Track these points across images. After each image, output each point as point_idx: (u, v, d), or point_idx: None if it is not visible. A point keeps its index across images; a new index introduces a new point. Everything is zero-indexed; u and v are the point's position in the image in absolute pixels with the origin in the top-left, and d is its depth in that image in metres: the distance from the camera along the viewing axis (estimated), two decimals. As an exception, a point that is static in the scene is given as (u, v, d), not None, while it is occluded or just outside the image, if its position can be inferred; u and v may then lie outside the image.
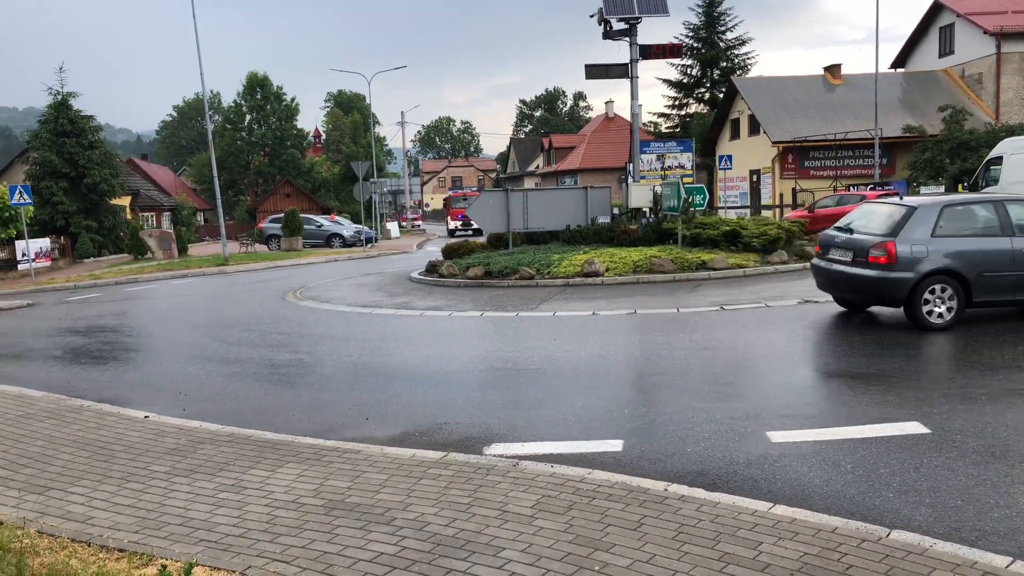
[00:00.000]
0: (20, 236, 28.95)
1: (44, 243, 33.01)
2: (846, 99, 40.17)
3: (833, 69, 42.54)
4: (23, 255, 29.89)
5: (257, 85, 73.88)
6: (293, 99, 75.55)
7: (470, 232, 40.34)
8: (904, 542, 4.17)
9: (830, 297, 12.63)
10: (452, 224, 47.40)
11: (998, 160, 19.66)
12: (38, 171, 38.67)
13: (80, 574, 4.16)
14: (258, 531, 4.75)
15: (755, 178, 41.46)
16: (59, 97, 39.22)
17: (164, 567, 2.73)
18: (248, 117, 75.33)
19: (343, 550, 4.42)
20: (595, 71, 21.21)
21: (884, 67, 44.06)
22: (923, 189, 32.93)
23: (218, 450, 6.41)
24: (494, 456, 6.00)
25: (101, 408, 8.17)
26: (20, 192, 25.78)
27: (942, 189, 30.33)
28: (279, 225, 40.58)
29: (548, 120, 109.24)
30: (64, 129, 38.71)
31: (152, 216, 57.15)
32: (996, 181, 19.37)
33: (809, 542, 4.22)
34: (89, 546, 4.66)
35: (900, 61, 44.70)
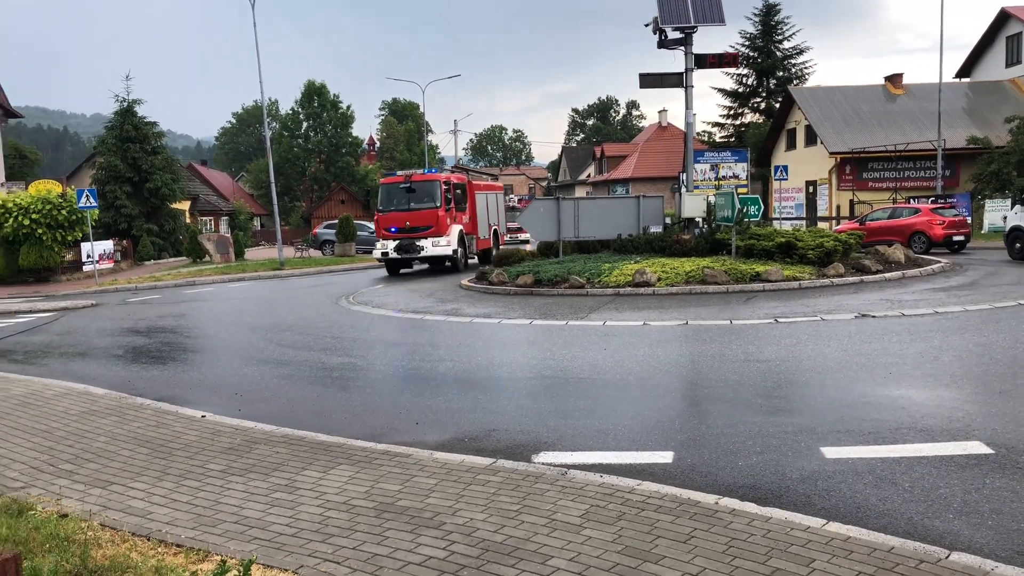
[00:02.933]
0: (86, 238, 29.90)
1: (108, 245, 34.04)
2: (908, 109, 39.32)
3: (894, 79, 41.69)
4: (88, 257, 30.86)
5: (314, 93, 75.23)
6: (348, 107, 76.78)
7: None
8: (964, 564, 4.06)
9: (888, 311, 12.36)
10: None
11: None
12: (103, 175, 39.97)
13: (140, 567, 4.28)
14: (310, 531, 4.84)
15: (811, 189, 40.80)
16: (125, 104, 40.52)
17: (224, 562, 2.80)
18: (305, 124, 76.71)
19: (393, 552, 4.47)
20: (649, 80, 21.13)
21: (948, 77, 43.02)
22: (988, 203, 32.03)
23: (272, 450, 6.54)
24: (543, 464, 6.01)
25: (160, 407, 8.39)
26: (87, 196, 26.64)
27: (1009, 204, 29.43)
28: (333, 231, 41.22)
29: (600, 129, 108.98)
30: (129, 135, 39.95)
31: (210, 220, 58.58)
32: None
33: (864, 561, 4.13)
34: (148, 540, 4.80)
35: (965, 71, 43.60)
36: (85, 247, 30.83)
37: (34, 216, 28.81)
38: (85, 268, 31.15)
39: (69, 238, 30.07)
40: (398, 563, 4.33)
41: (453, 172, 30.59)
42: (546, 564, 4.24)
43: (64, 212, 29.30)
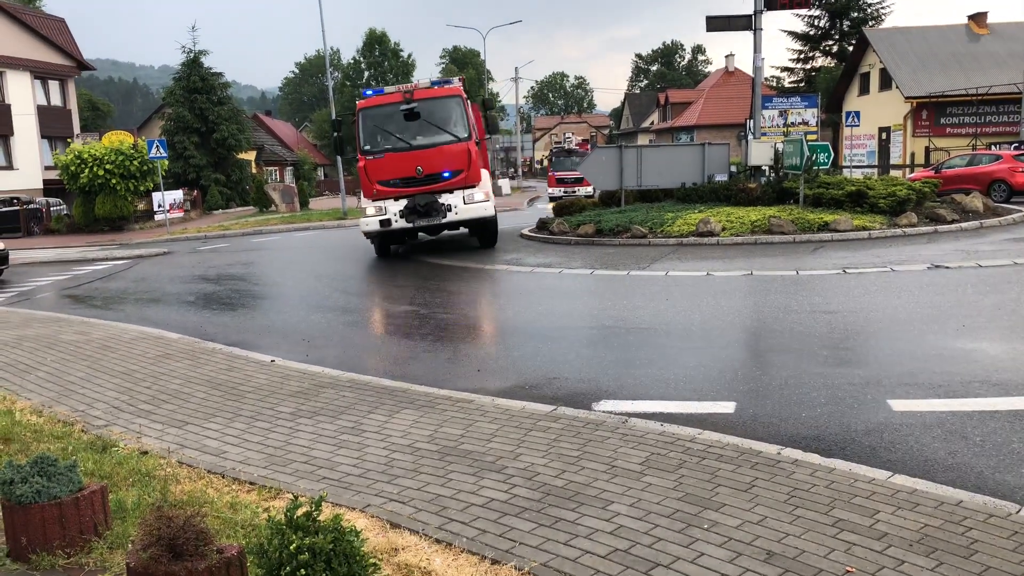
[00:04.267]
0: (156, 188, 30.75)
1: (177, 195, 34.97)
2: (992, 50, 37.39)
3: (978, 17, 39.59)
4: (159, 206, 31.79)
5: (375, 42, 75.25)
6: (410, 55, 76.66)
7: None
8: (1036, 520, 3.97)
9: (962, 262, 11.96)
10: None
11: None
12: (172, 126, 40.89)
13: (216, 502, 4.48)
14: (376, 472, 4.98)
15: (884, 136, 39.33)
16: (191, 55, 41.18)
17: (296, 497, 2.92)
18: (367, 73, 76.89)
19: (456, 494, 4.58)
20: (717, 23, 20.50)
21: (1036, 15, 40.59)
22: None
23: (339, 394, 6.72)
24: (603, 412, 6.04)
25: (231, 351, 8.68)
26: (157, 146, 27.33)
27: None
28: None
29: (665, 75, 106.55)
30: (196, 86, 40.67)
31: (275, 170, 59.55)
32: None
33: (931, 514, 4.07)
34: (223, 478, 5.01)
35: (1055, 8, 41.08)
36: (156, 197, 31.75)
37: (108, 167, 29.73)
38: (156, 217, 32.12)
39: (141, 188, 31.00)
40: (461, 504, 4.44)
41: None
42: (607, 509, 4.29)
43: (136, 162, 30.15)
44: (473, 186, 16.51)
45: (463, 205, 16.47)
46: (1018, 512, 4.06)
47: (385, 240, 17.43)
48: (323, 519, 2.74)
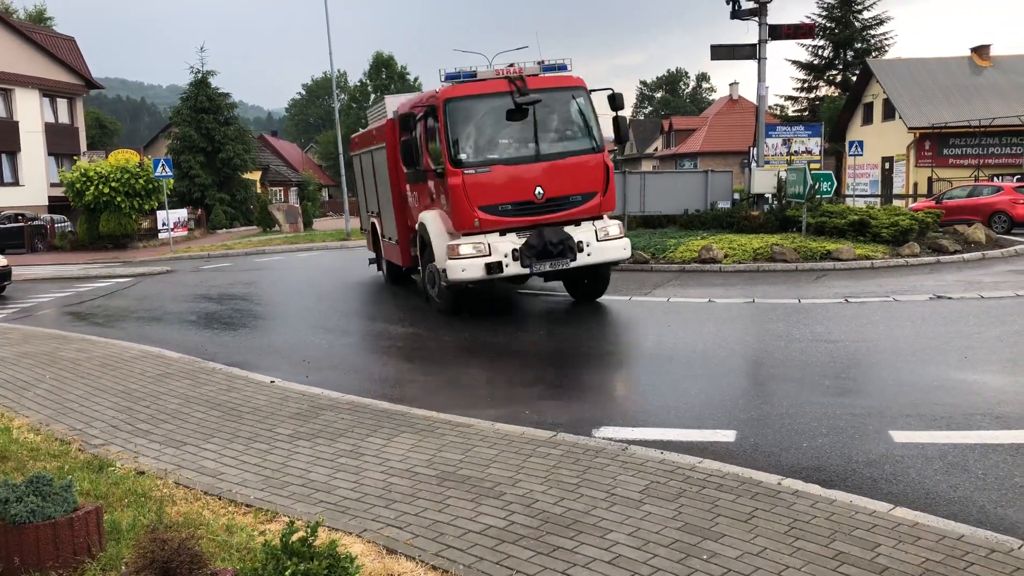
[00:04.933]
0: (161, 207, 30.85)
1: (182, 214, 35.08)
2: (994, 82, 37.56)
3: (981, 50, 39.83)
4: (163, 225, 31.87)
5: (382, 65, 75.87)
6: (416, 79, 77.19)
7: None
8: (1039, 556, 3.93)
9: (964, 293, 11.94)
10: None
11: None
12: (178, 145, 41.16)
13: (212, 525, 4.45)
14: (374, 496, 4.95)
15: (887, 166, 39.44)
16: (199, 75, 41.54)
17: (292, 522, 2.89)
18: (372, 96, 77.37)
19: (454, 520, 4.55)
20: (721, 52, 20.65)
21: (1038, 48, 40.84)
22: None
23: (338, 416, 6.69)
24: (603, 439, 6.01)
25: (231, 371, 8.66)
26: (163, 165, 27.44)
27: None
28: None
29: (669, 101, 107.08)
30: (203, 106, 40.99)
31: (280, 191, 59.81)
32: None
33: (932, 548, 4.03)
34: (220, 499, 4.97)
35: (1057, 42, 41.34)
36: (161, 215, 31.84)
37: (113, 184, 29.85)
38: (160, 236, 32.20)
39: (146, 206, 31.09)
40: (459, 530, 4.40)
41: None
42: (605, 538, 4.25)
43: (141, 181, 30.27)
44: (601, 216, 11.76)
45: (596, 243, 11.37)
46: (1020, 548, 4.02)
47: (461, 296, 11.82)
48: (319, 544, 2.72)
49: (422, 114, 11.80)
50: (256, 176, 49.97)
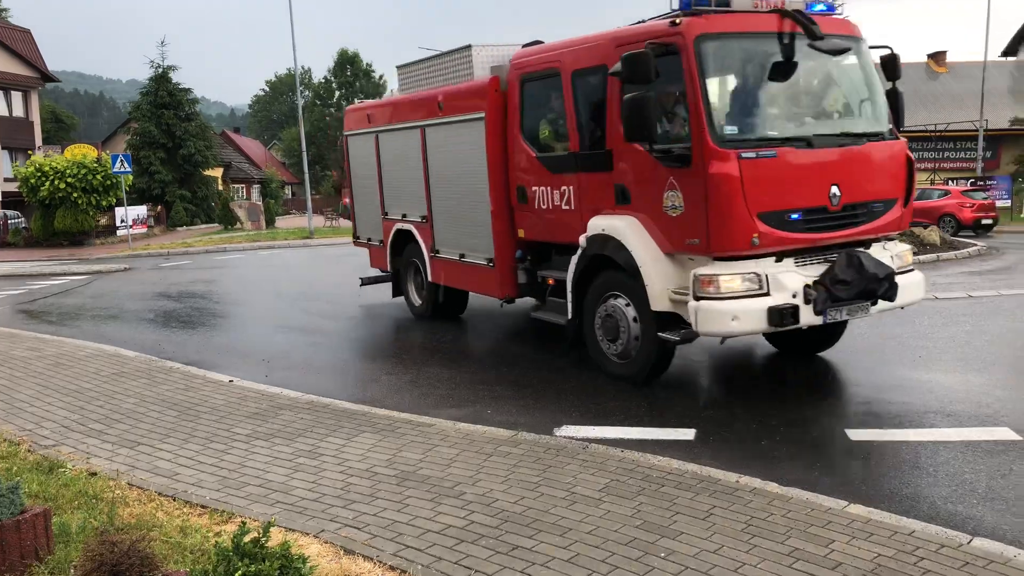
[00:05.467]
0: (120, 203, 30.30)
1: (141, 211, 34.52)
2: (950, 88, 38.45)
3: (937, 56, 40.78)
4: (121, 221, 31.33)
5: (347, 62, 75.36)
6: (381, 76, 76.83)
7: None
8: (986, 551, 4.01)
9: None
10: None
11: None
12: (138, 141, 40.45)
13: (166, 526, 4.37)
14: (332, 496, 4.90)
15: (846, 168, 40.16)
16: (160, 70, 40.88)
17: (244, 524, 2.85)
18: (337, 93, 76.88)
19: (413, 520, 4.52)
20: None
21: (994, 55, 41.90)
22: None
23: (297, 416, 6.62)
24: (564, 437, 6.02)
25: (189, 370, 8.52)
26: (122, 161, 26.96)
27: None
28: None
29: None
30: (163, 101, 40.33)
31: (242, 188, 59.09)
32: None
33: (884, 543, 4.10)
34: (174, 500, 4.89)
35: (1011, 49, 42.46)
36: (119, 212, 31.28)
37: (69, 180, 29.23)
38: (119, 232, 31.64)
39: (104, 203, 30.51)
40: (418, 530, 4.38)
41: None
42: (564, 536, 4.26)
43: (99, 177, 29.69)
44: (893, 237, 7.74)
45: (901, 279, 7.32)
46: (969, 542, 4.10)
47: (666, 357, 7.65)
48: (273, 545, 2.68)
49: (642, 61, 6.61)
50: (218, 173, 49.30)
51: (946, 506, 4.74)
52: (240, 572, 2.51)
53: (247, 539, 2.63)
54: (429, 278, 10.86)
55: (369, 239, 12.70)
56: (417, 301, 11.66)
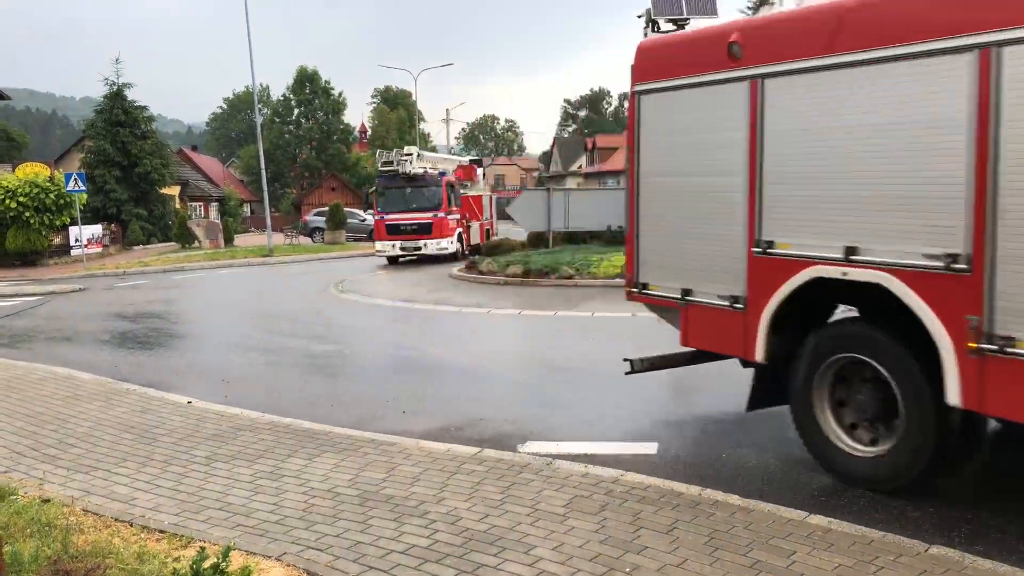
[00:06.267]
0: (74, 222, 29.69)
1: (96, 230, 33.85)
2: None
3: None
4: (76, 241, 30.68)
5: (306, 79, 74.87)
6: (340, 94, 76.47)
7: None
8: (943, 557, 4.09)
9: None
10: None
11: None
12: (92, 159, 39.70)
13: (122, 553, 4.27)
14: (294, 518, 4.83)
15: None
16: (115, 87, 40.24)
17: (203, 549, 2.79)
18: (296, 111, 76.37)
19: (376, 540, 4.47)
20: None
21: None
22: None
23: (258, 437, 6.52)
24: (528, 454, 6.01)
25: (146, 392, 8.35)
26: (76, 179, 26.45)
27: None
28: (323, 218, 41.10)
29: (592, 120, 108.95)
30: (119, 119, 39.68)
31: (200, 206, 58.27)
32: None
33: (844, 553, 4.16)
34: (131, 526, 4.78)
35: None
36: (73, 231, 30.65)
37: (21, 199, 28.57)
38: (73, 252, 30.97)
39: (57, 222, 29.86)
40: (381, 551, 4.34)
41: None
42: (529, 554, 4.25)
43: (52, 196, 29.07)
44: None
45: None
46: (926, 550, 4.18)
47: None
48: (233, 570, 2.63)
49: None
50: (175, 191, 48.56)
51: (904, 513, 4.82)
52: (200, 599, 2.46)
53: (206, 565, 2.58)
54: (958, 400, 4.66)
55: (688, 293, 6.42)
56: (853, 446, 5.41)
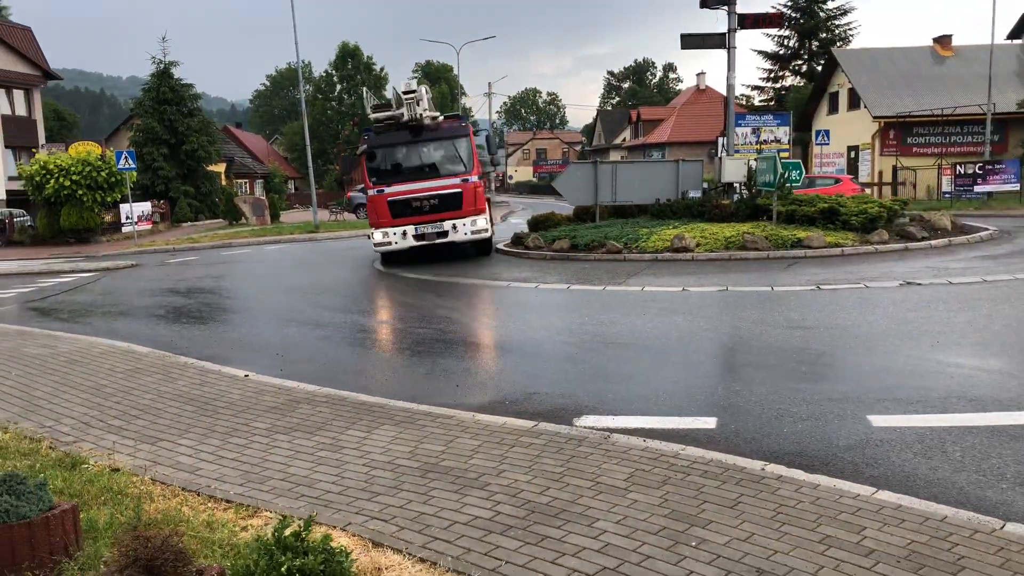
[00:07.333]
0: (124, 200, 30.28)
1: (146, 207, 34.50)
2: (956, 72, 38.15)
3: (943, 40, 40.45)
4: (127, 218, 31.33)
5: (348, 55, 75.09)
6: (382, 69, 76.58)
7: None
8: (1020, 535, 3.98)
9: (933, 279, 12.12)
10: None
11: None
12: (141, 137, 40.39)
13: (192, 521, 4.35)
14: (356, 489, 4.88)
15: (853, 155, 39.94)
16: (161, 66, 40.78)
17: (285, 517, 2.82)
18: (339, 87, 76.71)
19: (439, 512, 4.49)
20: (691, 41, 20.71)
21: (1000, 38, 41.63)
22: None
23: (315, 410, 6.60)
24: (585, 428, 5.99)
25: (204, 366, 8.50)
26: (126, 158, 26.93)
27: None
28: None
29: (636, 92, 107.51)
30: (165, 97, 40.26)
31: (245, 183, 59.04)
32: None
33: (916, 530, 4.07)
34: (198, 495, 4.87)
35: (1017, 32, 42.12)
36: (124, 208, 31.29)
37: (74, 177, 29.22)
38: (124, 229, 31.64)
39: (108, 199, 30.50)
40: (445, 522, 4.36)
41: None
42: (593, 526, 4.23)
43: (104, 174, 29.67)
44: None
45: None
46: (1002, 528, 4.07)
47: None
48: (312, 538, 2.65)
49: None
50: (221, 168, 49.23)
51: (975, 491, 4.70)
52: (285, 567, 2.48)
53: (288, 532, 2.60)
54: None
55: None
56: None
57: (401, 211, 17.54)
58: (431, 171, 17.83)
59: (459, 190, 17.51)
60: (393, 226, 17.61)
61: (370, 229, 18.18)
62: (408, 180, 17.62)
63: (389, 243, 17.71)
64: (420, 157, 18.05)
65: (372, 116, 18.45)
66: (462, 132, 18.16)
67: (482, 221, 17.75)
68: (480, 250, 18.87)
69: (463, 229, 17.68)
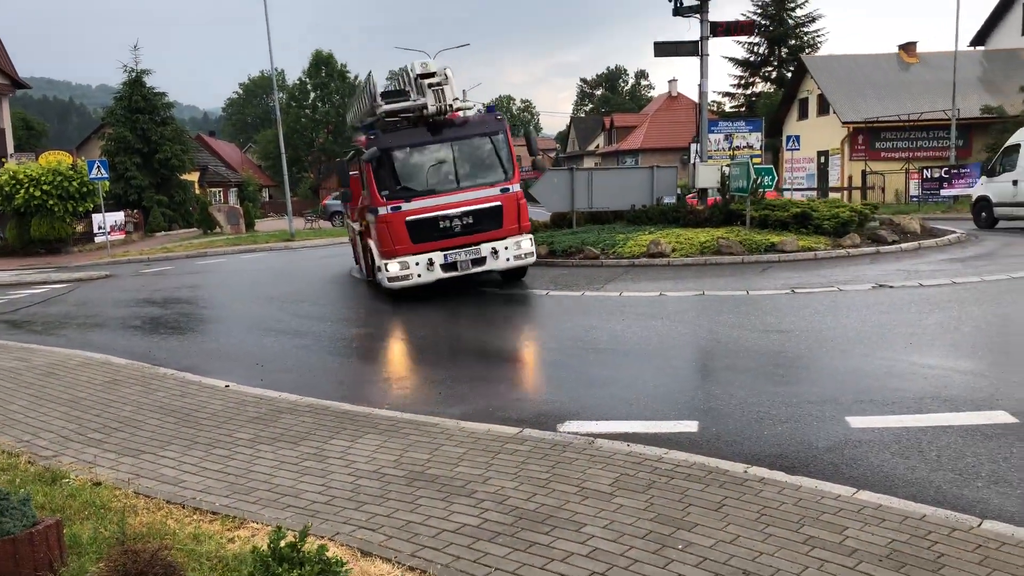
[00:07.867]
0: (97, 210, 29.92)
1: (119, 217, 34.09)
2: (922, 78, 38.85)
3: (908, 47, 41.18)
4: (99, 228, 30.94)
5: (322, 63, 74.87)
6: (356, 77, 76.26)
7: None
8: (997, 532, 4.08)
9: (905, 282, 12.32)
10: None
11: (1016, 148, 20.37)
12: (113, 147, 39.89)
13: (178, 534, 4.33)
14: (343, 499, 4.88)
15: (823, 160, 40.47)
16: (133, 75, 40.33)
17: (279, 528, 2.83)
18: (312, 95, 76.39)
19: (427, 520, 4.51)
20: (665, 48, 20.88)
21: (963, 45, 42.43)
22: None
23: (298, 419, 6.58)
24: (569, 433, 6.03)
25: (184, 376, 8.44)
26: (98, 167, 26.60)
27: None
28: (342, 202, 41.13)
29: (609, 99, 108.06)
30: (138, 106, 39.82)
31: (219, 192, 58.57)
32: (1014, 167, 20.24)
33: (897, 529, 4.15)
34: (183, 508, 4.85)
35: (980, 39, 42.99)
36: (96, 218, 30.90)
37: (45, 187, 28.81)
38: (96, 239, 31.24)
39: (80, 209, 30.10)
40: (433, 530, 4.37)
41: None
42: (580, 531, 4.27)
43: (75, 183, 29.29)
44: None
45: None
46: (979, 525, 4.16)
47: None
48: (308, 548, 2.66)
49: None
50: (194, 177, 48.79)
51: (952, 490, 4.80)
52: (281, 577, 2.50)
53: (284, 543, 2.61)
54: None
55: None
56: None
57: (425, 234, 13.06)
58: (462, 180, 13.33)
59: (499, 203, 13.28)
60: (414, 253, 13.09)
61: (379, 259, 13.45)
62: (432, 193, 13.14)
63: (409, 276, 13.13)
64: (446, 162, 13.42)
65: (384, 108, 13.39)
66: (497, 128, 13.72)
67: (527, 243, 13.66)
68: (516, 277, 14.70)
69: (505, 254, 13.43)
